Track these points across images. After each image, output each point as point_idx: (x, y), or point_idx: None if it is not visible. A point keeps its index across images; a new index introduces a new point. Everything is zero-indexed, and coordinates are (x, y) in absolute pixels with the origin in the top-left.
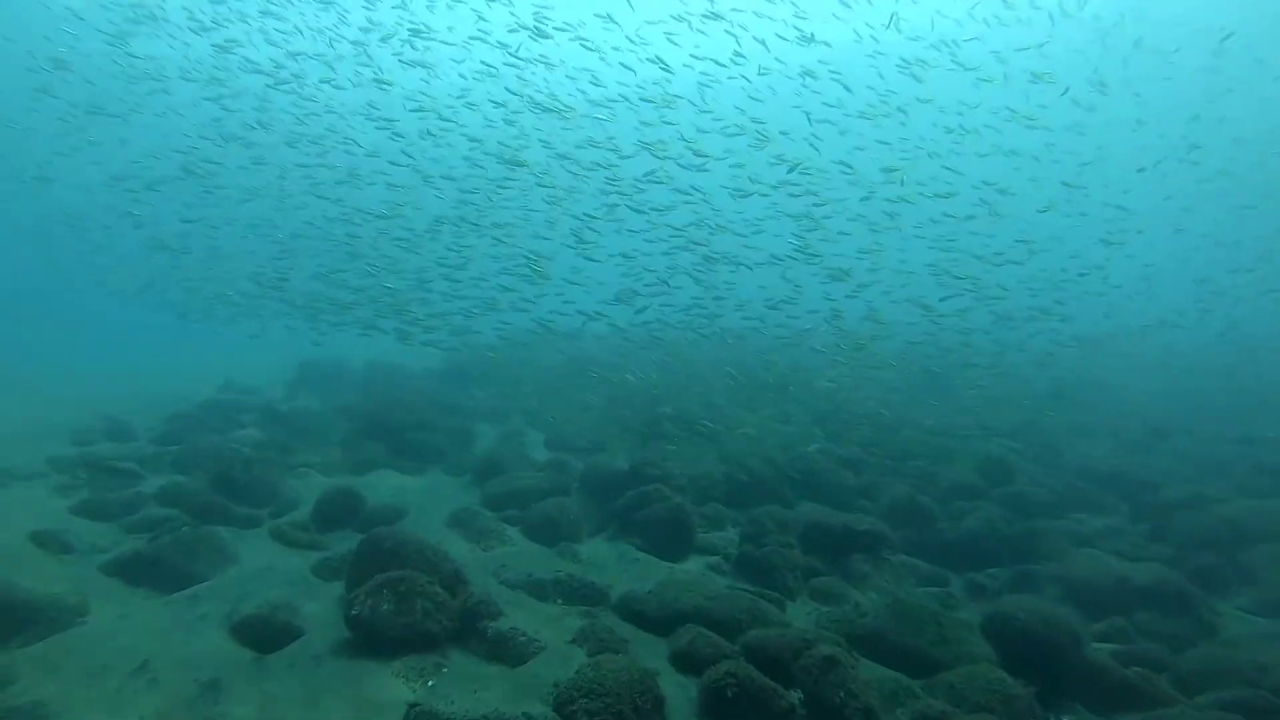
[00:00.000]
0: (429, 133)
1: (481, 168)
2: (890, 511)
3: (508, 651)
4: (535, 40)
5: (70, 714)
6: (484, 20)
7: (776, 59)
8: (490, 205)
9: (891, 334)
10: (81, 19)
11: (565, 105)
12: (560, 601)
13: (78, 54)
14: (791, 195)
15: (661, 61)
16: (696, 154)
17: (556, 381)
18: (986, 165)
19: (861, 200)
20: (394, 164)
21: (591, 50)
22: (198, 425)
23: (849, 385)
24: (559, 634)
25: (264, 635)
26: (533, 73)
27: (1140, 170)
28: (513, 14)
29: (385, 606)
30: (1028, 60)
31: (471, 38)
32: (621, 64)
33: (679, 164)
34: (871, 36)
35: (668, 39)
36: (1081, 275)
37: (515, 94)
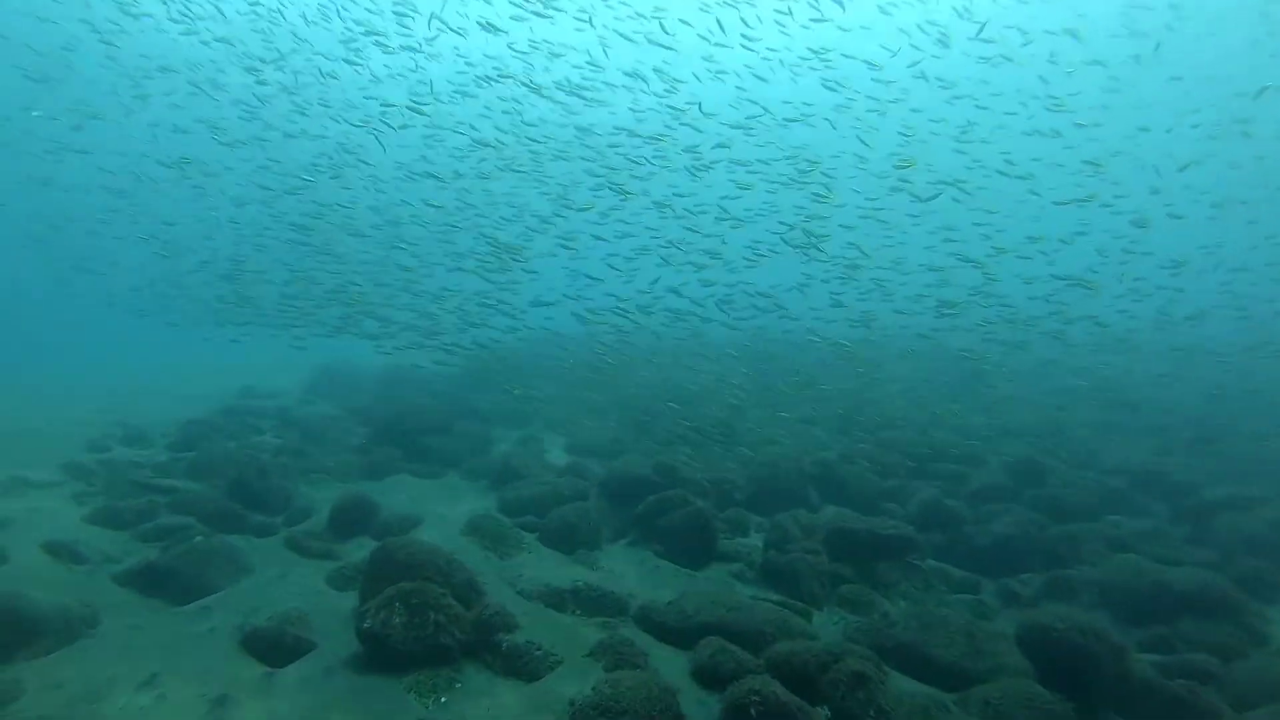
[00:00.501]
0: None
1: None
2: (918, 515)
3: (523, 666)
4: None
5: None
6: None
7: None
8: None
9: (915, 333)
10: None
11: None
12: (578, 612)
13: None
14: (800, 185)
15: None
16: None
17: (576, 385)
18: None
19: (887, 193)
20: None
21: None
22: (214, 431)
23: (874, 385)
24: (576, 647)
25: (275, 649)
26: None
27: (1182, 169)
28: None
29: (397, 620)
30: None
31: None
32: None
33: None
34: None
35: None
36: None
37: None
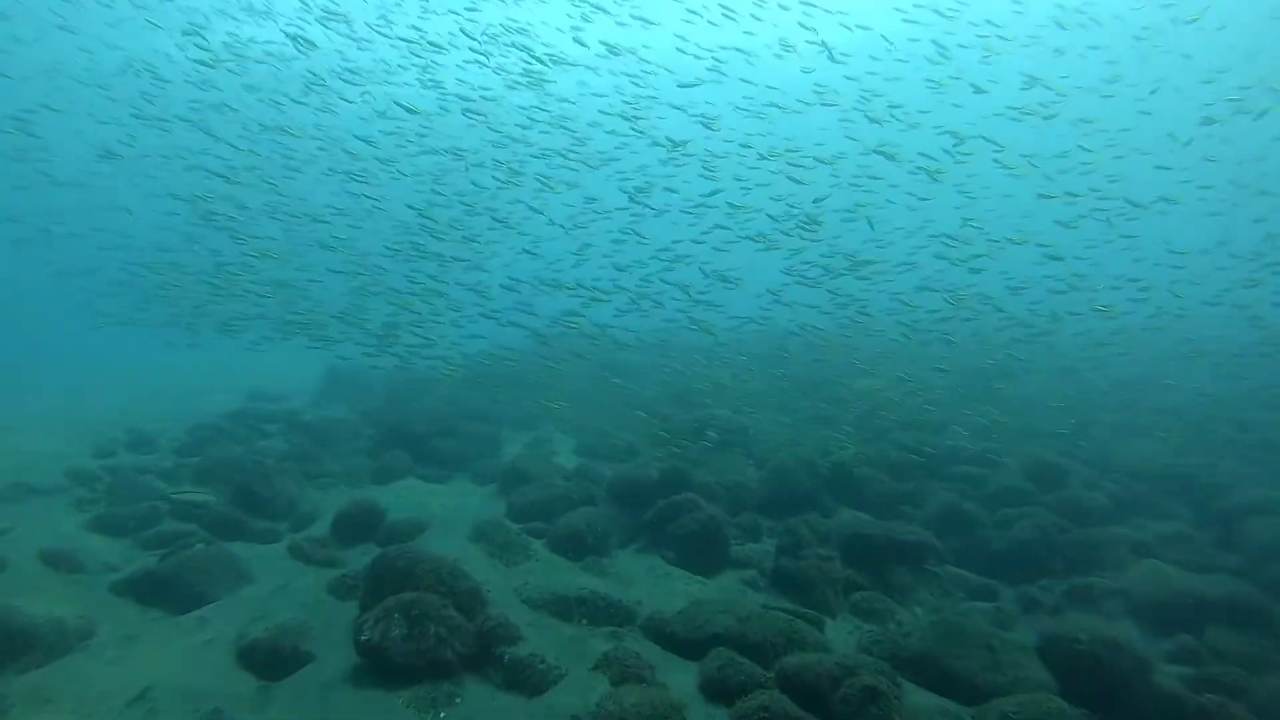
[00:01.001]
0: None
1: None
2: (935, 519)
3: (525, 680)
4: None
5: None
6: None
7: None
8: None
9: (931, 332)
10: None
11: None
12: (584, 622)
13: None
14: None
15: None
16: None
17: (586, 386)
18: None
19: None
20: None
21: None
22: (221, 435)
23: (889, 385)
24: (581, 659)
25: (271, 661)
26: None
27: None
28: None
29: (396, 632)
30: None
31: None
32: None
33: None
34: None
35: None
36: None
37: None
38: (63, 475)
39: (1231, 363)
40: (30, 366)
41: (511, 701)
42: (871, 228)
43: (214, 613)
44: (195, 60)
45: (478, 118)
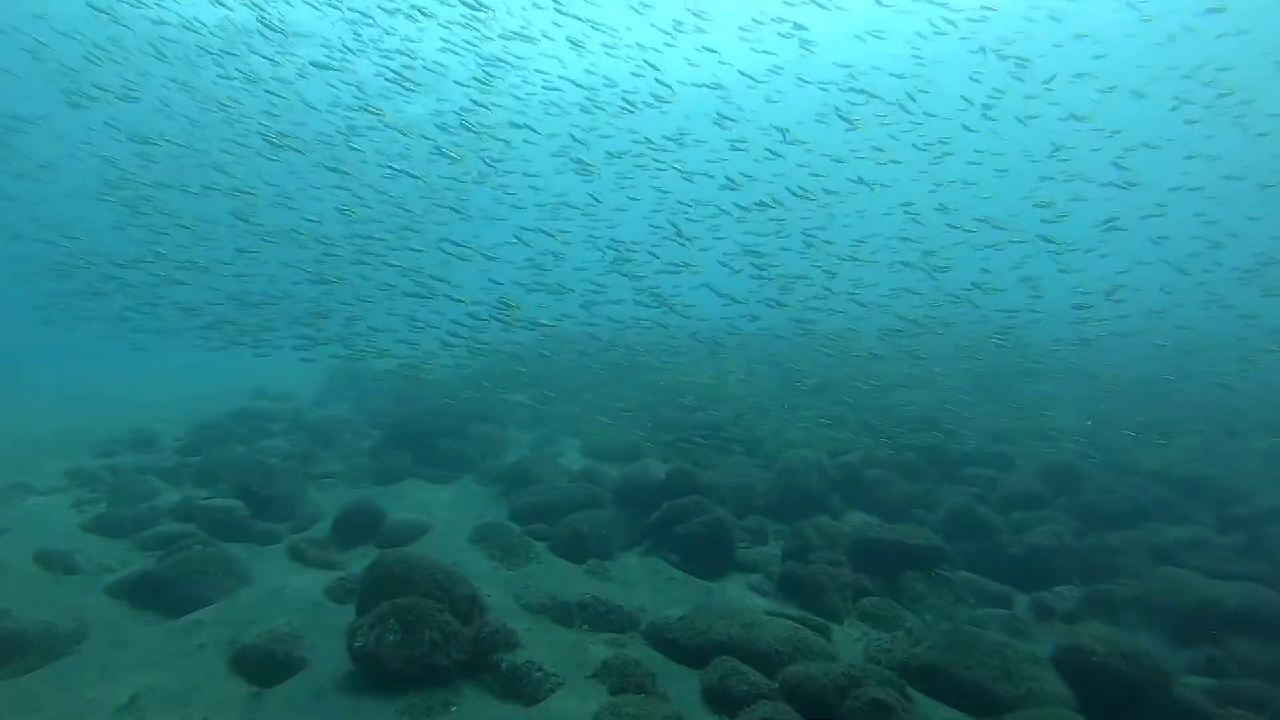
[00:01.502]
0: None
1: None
2: (947, 523)
3: (522, 688)
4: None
5: None
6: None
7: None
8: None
9: (944, 331)
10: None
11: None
12: (585, 627)
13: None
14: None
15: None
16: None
17: (596, 386)
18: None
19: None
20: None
21: None
22: (224, 435)
23: (901, 385)
24: (580, 667)
25: (264, 668)
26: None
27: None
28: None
29: (391, 638)
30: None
31: None
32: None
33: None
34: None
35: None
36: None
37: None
38: (63, 475)
39: (1249, 362)
40: (34, 366)
41: (508, 710)
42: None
43: (209, 615)
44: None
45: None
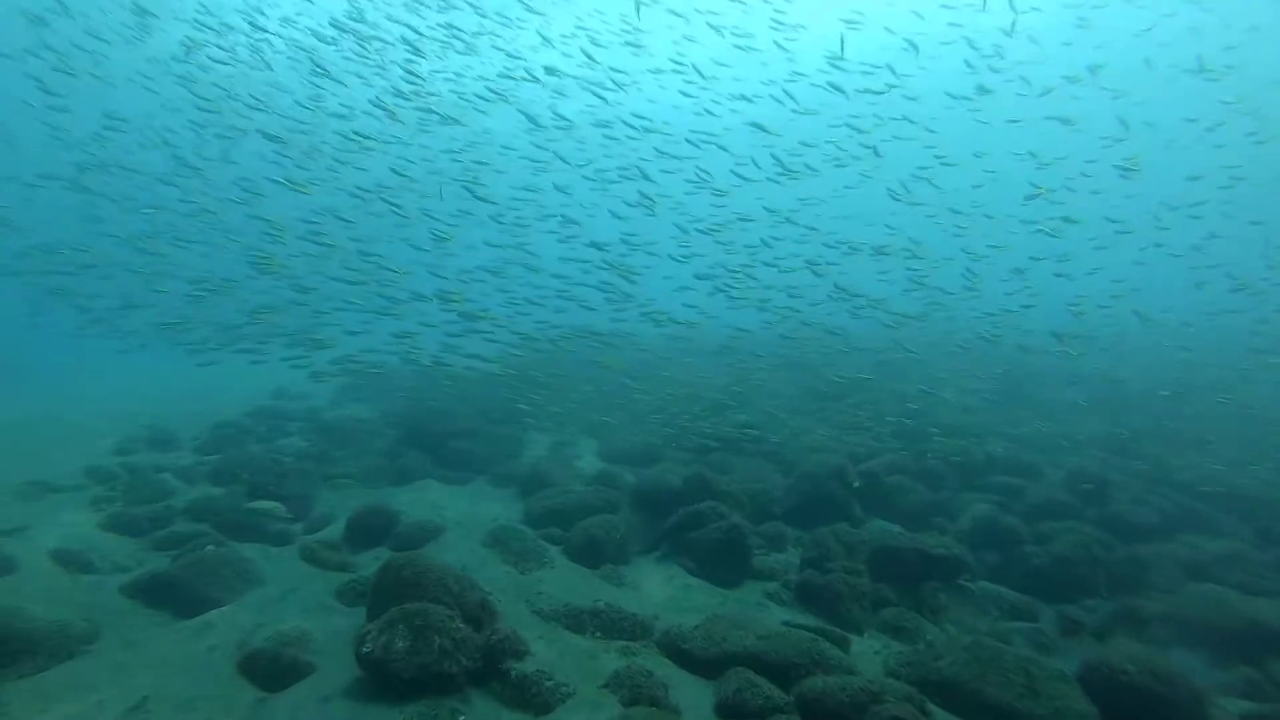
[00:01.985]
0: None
1: None
2: (970, 532)
3: (532, 698)
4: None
5: None
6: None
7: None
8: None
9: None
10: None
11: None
12: (598, 635)
13: None
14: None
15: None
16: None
17: (615, 388)
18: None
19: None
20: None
21: None
22: (243, 434)
23: (926, 391)
24: (591, 676)
25: (272, 671)
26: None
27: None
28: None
29: (400, 644)
30: None
31: None
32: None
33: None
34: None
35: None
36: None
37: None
38: (82, 473)
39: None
40: (55, 365)
41: None
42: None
43: (220, 618)
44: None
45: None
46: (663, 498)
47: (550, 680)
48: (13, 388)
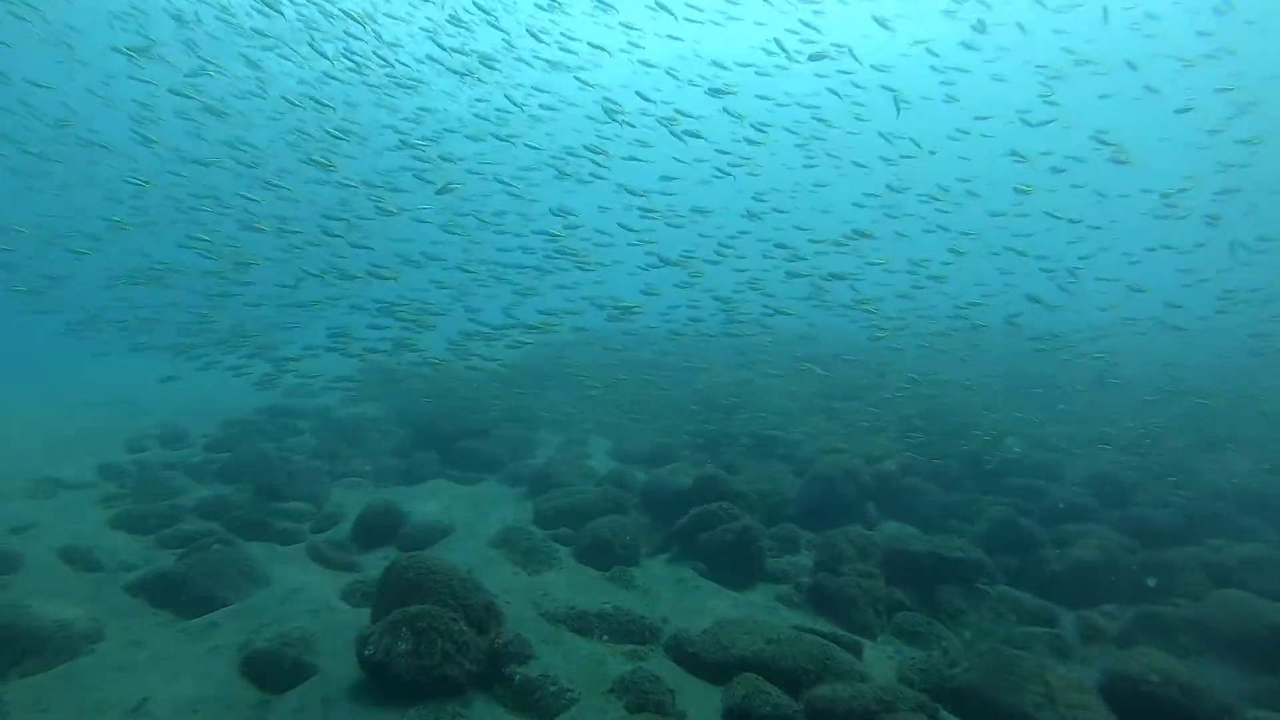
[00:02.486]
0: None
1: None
2: (988, 535)
3: (535, 702)
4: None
5: None
6: None
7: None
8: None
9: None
10: None
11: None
12: (605, 638)
13: None
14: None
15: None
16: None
17: (628, 386)
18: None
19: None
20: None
21: None
22: (253, 432)
23: (942, 388)
24: (597, 681)
25: (273, 673)
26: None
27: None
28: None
29: (402, 647)
30: None
31: None
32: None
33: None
34: None
35: None
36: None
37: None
38: (94, 470)
39: None
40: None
41: None
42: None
43: (224, 618)
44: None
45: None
46: (673, 498)
47: (554, 685)
48: (26, 386)
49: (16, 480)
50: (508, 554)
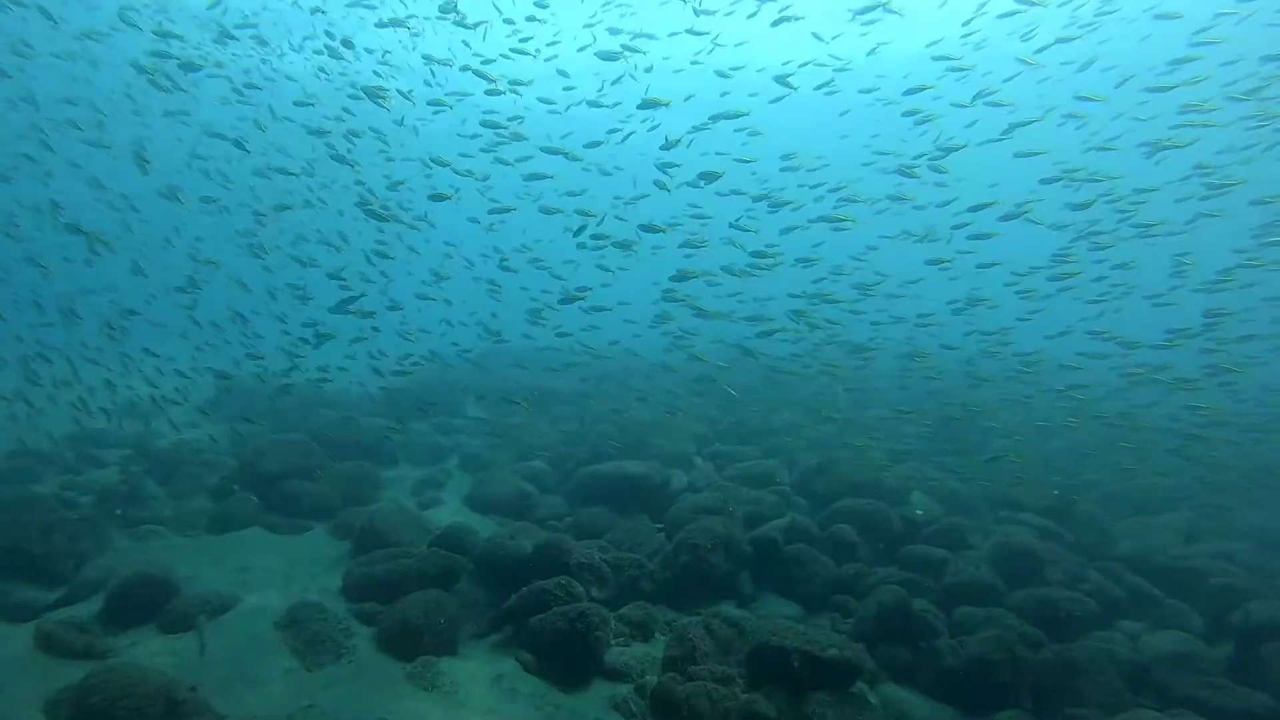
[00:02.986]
0: None
1: None
2: (876, 619)
3: None
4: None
5: None
6: None
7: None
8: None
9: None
10: None
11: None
12: None
13: None
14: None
15: None
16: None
17: (511, 415)
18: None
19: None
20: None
21: None
22: (40, 465)
23: (846, 433)
24: None
25: None
26: None
27: None
28: None
29: None
30: None
31: None
32: None
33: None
34: None
35: None
36: None
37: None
38: None
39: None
40: None
41: None
42: None
43: None
44: None
45: None
46: (513, 567)
47: None
48: None
49: None
50: (292, 639)
